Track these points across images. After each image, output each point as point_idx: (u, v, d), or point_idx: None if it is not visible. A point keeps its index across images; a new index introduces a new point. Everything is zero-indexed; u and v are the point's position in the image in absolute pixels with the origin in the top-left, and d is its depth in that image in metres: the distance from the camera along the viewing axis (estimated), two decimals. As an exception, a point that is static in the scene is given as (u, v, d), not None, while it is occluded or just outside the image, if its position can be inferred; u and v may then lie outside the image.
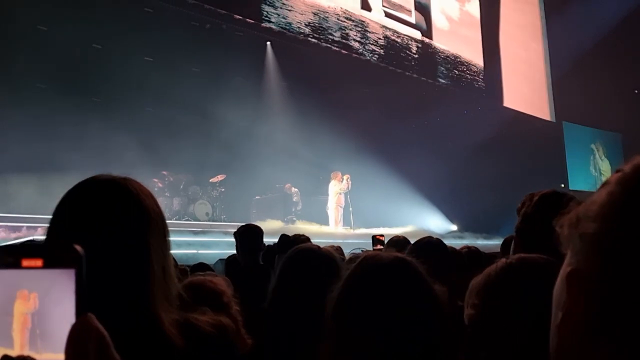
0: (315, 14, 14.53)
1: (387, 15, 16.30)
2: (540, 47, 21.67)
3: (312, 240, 3.84)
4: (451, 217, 16.90)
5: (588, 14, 19.39)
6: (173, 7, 12.03)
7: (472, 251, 3.68)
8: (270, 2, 13.65)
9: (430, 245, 2.97)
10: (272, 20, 13.69)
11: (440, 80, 17.67)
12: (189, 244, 8.97)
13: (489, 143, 16.47)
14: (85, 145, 9.83)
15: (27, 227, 9.15)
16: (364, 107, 13.83)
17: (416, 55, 17.02)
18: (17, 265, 0.62)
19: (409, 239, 3.97)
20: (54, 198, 1.22)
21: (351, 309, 1.31)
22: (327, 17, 14.81)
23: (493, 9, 19.56)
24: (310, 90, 13.13)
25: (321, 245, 2.42)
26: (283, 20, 13.89)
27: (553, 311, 0.67)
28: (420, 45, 17.17)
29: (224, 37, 12.95)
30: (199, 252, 8.57)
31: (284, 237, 4.44)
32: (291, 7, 14.08)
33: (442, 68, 17.77)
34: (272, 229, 8.99)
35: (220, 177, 13.04)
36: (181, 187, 12.59)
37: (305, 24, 14.28)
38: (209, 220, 12.34)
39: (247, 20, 13.27)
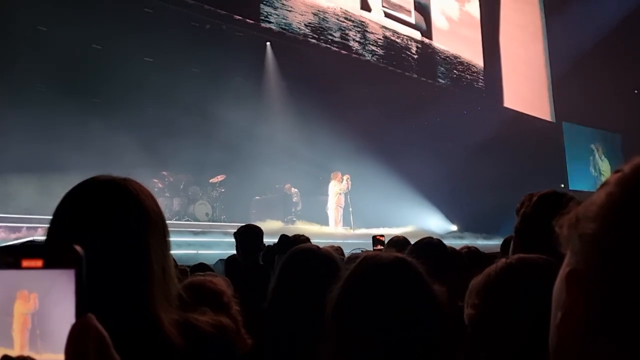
0: (314, 14, 14.54)
1: (387, 15, 16.31)
2: (540, 47, 21.68)
3: (312, 241, 3.85)
4: (451, 217, 16.91)
5: (588, 14, 19.39)
6: (173, 8, 12.03)
7: (472, 251, 3.68)
8: (270, 3, 13.65)
9: (430, 245, 2.97)
10: (272, 20, 13.69)
11: (440, 80, 17.67)
12: (189, 245, 8.97)
13: (488, 143, 16.47)
14: (85, 145, 9.83)
15: (27, 227, 9.15)
16: (363, 108, 13.83)
17: (416, 56, 17.02)
18: (17, 266, 0.62)
19: (409, 239, 3.97)
20: (54, 198, 1.22)
21: (351, 309, 1.31)
22: (327, 18, 14.81)
23: (493, 9, 19.56)
24: (310, 90, 13.13)
25: (321, 246, 2.42)
26: (283, 20, 13.89)
27: (552, 311, 0.68)
28: (420, 46, 17.17)
29: (224, 38, 12.95)
30: (199, 252, 8.57)
31: (283, 238, 4.45)
32: (291, 7, 14.08)
33: (442, 68, 17.78)
34: (272, 229, 8.99)
35: (220, 178, 13.04)
36: (181, 187, 12.59)
37: (305, 24, 14.29)
38: (208, 221, 12.35)
39: (247, 20, 13.28)
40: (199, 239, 9.76)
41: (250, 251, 4.45)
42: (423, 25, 17.30)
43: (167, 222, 1.28)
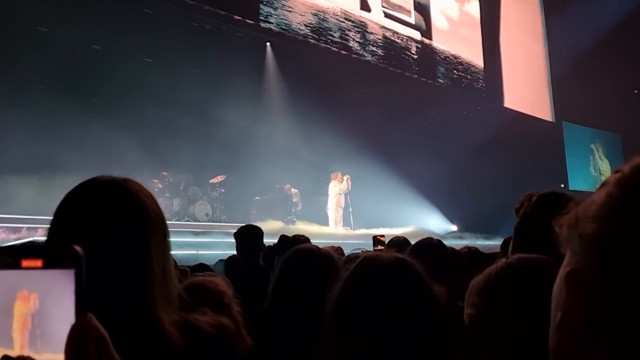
0: (314, 15, 14.54)
1: (387, 15, 16.31)
2: (541, 47, 21.68)
3: (312, 241, 3.84)
4: (451, 217, 16.91)
5: (588, 14, 19.39)
6: (173, 8, 12.04)
7: (472, 251, 3.68)
8: (269, 3, 13.65)
9: (430, 246, 2.97)
10: (272, 21, 13.70)
11: (440, 80, 17.67)
12: (189, 245, 8.97)
13: (488, 143, 16.47)
14: (85, 146, 9.84)
15: (27, 228, 9.15)
16: (363, 108, 13.83)
17: (416, 56, 17.02)
18: (17, 266, 0.62)
19: (409, 240, 3.97)
20: (54, 199, 1.23)
21: (351, 309, 1.31)
22: (327, 18, 14.82)
23: (493, 9, 19.56)
24: (310, 90, 13.13)
25: (321, 246, 2.42)
26: (283, 21, 13.90)
27: (552, 311, 0.68)
28: (419, 46, 17.18)
29: (224, 38, 12.95)
30: (199, 252, 8.57)
31: (283, 238, 4.45)
32: (291, 7, 14.08)
33: (442, 68, 17.78)
34: (272, 229, 8.99)
35: (220, 178, 13.04)
36: (181, 187, 12.59)
37: (304, 25, 14.29)
38: (209, 221, 12.34)
39: (247, 21, 13.29)
40: (199, 240, 9.75)
41: (250, 251, 4.45)
42: (423, 25, 17.30)
43: (167, 222, 1.28)
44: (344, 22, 15.20)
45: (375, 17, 16.02)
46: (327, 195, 13.90)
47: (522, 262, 1.32)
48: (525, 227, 1.98)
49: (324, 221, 13.72)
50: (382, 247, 4.88)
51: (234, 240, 4.59)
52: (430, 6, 17.56)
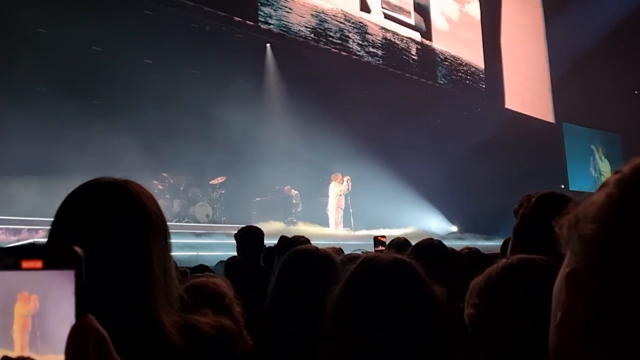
0: (314, 16, 14.55)
1: (387, 16, 16.31)
2: (541, 48, 21.67)
3: (312, 242, 3.84)
4: (451, 218, 16.90)
5: (588, 14, 19.39)
6: (173, 10, 12.05)
7: (472, 252, 3.68)
8: (269, 4, 13.66)
9: (431, 247, 2.97)
10: (272, 22, 13.70)
11: (440, 81, 17.67)
12: (189, 246, 8.96)
13: (489, 144, 16.47)
14: (85, 147, 9.84)
15: (28, 229, 9.16)
16: (363, 109, 13.84)
17: (416, 57, 17.02)
18: (17, 267, 0.62)
19: (410, 241, 3.97)
20: (55, 201, 1.23)
21: (351, 310, 1.32)
22: (327, 19, 14.83)
23: (494, 10, 19.55)
24: (310, 92, 13.13)
25: (322, 247, 2.43)
26: (282, 22, 13.90)
27: (552, 311, 0.68)
28: (419, 47, 17.18)
29: (224, 39, 12.95)
30: (200, 254, 8.57)
31: (283, 239, 4.45)
32: (290, 9, 14.09)
33: (442, 69, 17.78)
34: (273, 230, 8.99)
35: (220, 179, 13.03)
36: (181, 189, 12.59)
37: (304, 26, 14.30)
38: (209, 222, 12.34)
39: (247, 22, 13.29)
40: (199, 241, 9.75)
41: (251, 253, 4.46)
42: (423, 26, 17.30)
43: (168, 223, 1.28)
44: (343, 24, 15.20)
45: (375, 18, 16.03)
46: (328, 196, 13.90)
47: (522, 263, 1.32)
48: (524, 228, 1.98)
49: (325, 222, 13.72)
50: (383, 248, 4.89)
51: (234, 241, 4.59)
52: (430, 7, 17.56)
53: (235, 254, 4.69)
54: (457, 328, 1.35)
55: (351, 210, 13.69)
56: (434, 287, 1.35)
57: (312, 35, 14.42)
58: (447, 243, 3.21)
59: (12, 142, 9.33)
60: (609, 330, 0.60)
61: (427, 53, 17.33)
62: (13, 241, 8.82)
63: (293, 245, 3.12)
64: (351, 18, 15.40)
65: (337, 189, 13.65)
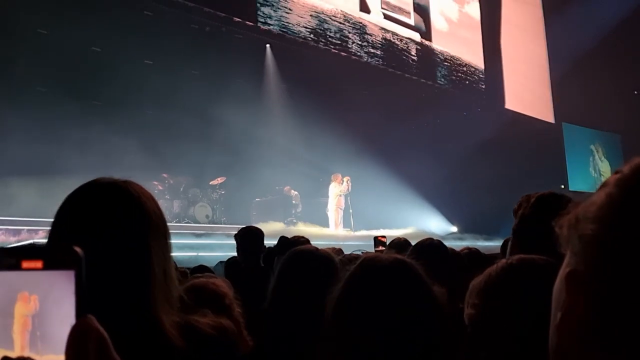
0: (314, 17, 14.55)
1: (386, 17, 16.31)
2: (541, 48, 21.67)
3: (312, 243, 3.84)
4: (451, 218, 16.90)
5: (588, 14, 19.40)
6: (172, 10, 12.04)
7: (472, 252, 3.68)
8: (269, 5, 13.66)
9: (431, 246, 2.98)
10: (272, 23, 13.71)
11: (440, 82, 17.67)
12: (189, 247, 8.96)
13: (489, 145, 16.48)
14: (86, 148, 9.84)
15: (28, 230, 9.15)
16: (363, 109, 13.84)
17: (415, 57, 17.02)
18: (17, 267, 0.62)
19: (410, 241, 3.97)
20: (55, 201, 1.23)
21: (351, 310, 1.32)
22: (326, 20, 14.83)
23: (494, 10, 19.55)
24: (310, 92, 13.13)
25: (322, 248, 2.43)
26: (282, 22, 13.91)
27: (552, 311, 0.68)
28: (419, 47, 17.18)
29: (224, 40, 12.95)
30: (200, 254, 8.57)
31: (283, 239, 4.45)
32: (290, 9, 14.09)
33: (442, 70, 17.78)
34: (273, 231, 8.99)
35: (220, 180, 13.04)
36: (181, 189, 12.59)
37: (304, 27, 14.30)
38: (209, 223, 12.34)
39: (247, 23, 13.29)
40: (199, 241, 9.75)
41: (251, 253, 4.46)
42: (422, 26, 17.30)
43: (168, 224, 1.28)
44: (343, 24, 15.21)
45: (375, 19, 16.03)
46: (327, 196, 13.90)
47: (522, 263, 1.32)
48: (524, 228, 1.98)
49: (325, 223, 13.72)
50: (384, 248, 4.89)
51: (234, 241, 4.59)
52: (430, 8, 17.56)
53: (235, 254, 4.69)
54: (457, 328, 1.35)
55: (351, 210, 13.69)
56: (434, 287, 1.35)
57: (311, 35, 14.42)
58: (447, 243, 3.21)
59: (12, 142, 9.34)
60: (609, 330, 0.60)
61: (426, 53, 17.33)
62: (13, 242, 8.82)
63: (293, 245, 3.12)
64: (351, 18, 15.40)
65: (337, 190, 13.65)
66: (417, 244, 3.08)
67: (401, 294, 1.32)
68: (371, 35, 15.87)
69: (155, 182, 11.94)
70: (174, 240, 1.30)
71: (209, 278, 2.18)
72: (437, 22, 17.74)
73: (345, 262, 1.75)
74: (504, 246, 3.39)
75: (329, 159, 13.60)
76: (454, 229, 16.80)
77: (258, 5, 13.45)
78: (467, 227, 15.76)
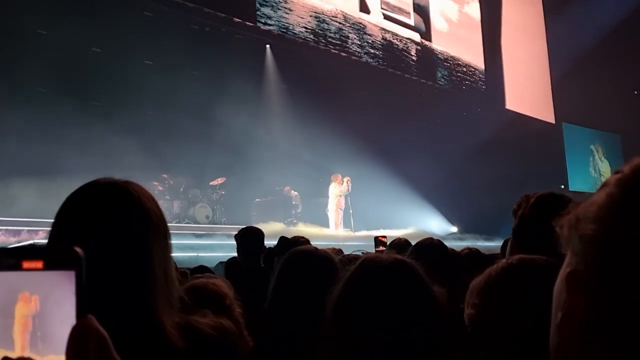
0: (314, 17, 14.55)
1: (386, 17, 16.31)
2: (542, 48, 21.67)
3: (312, 243, 3.84)
4: (451, 218, 16.90)
5: (588, 14, 19.40)
6: (172, 11, 12.04)
7: (472, 253, 3.68)
8: (269, 5, 13.67)
9: (431, 246, 2.97)
10: (271, 23, 13.71)
11: (440, 82, 17.68)
12: (190, 247, 8.96)
13: (489, 145, 16.48)
14: (86, 148, 9.84)
15: (28, 230, 9.15)
16: (363, 110, 13.83)
17: (415, 58, 17.02)
18: (18, 267, 0.62)
19: (410, 241, 3.97)
20: (55, 202, 1.23)
21: (351, 310, 1.32)
22: (326, 20, 14.83)
23: (494, 11, 19.55)
24: (310, 92, 13.13)
25: (322, 248, 2.43)
26: (282, 23, 13.91)
27: (553, 311, 0.68)
28: (419, 48, 17.18)
29: (224, 40, 12.95)
30: (200, 255, 8.57)
31: (283, 239, 4.45)
32: (290, 10, 14.09)
33: (442, 70, 17.79)
34: (273, 231, 8.99)
35: (220, 180, 13.03)
36: (181, 190, 12.58)
37: (304, 27, 14.30)
38: (209, 223, 12.34)
39: (247, 23, 13.29)
40: (199, 242, 9.75)
41: (251, 253, 4.46)
42: (422, 27, 17.30)
43: (168, 224, 1.28)
44: (343, 24, 15.21)
45: (375, 19, 16.03)
46: (328, 197, 13.90)
47: (522, 263, 1.32)
48: (523, 228, 1.98)
49: (325, 223, 13.72)
50: (384, 248, 4.89)
51: (234, 242, 4.59)
52: (430, 8, 17.56)
53: (235, 254, 4.69)
54: (457, 328, 1.35)
55: (351, 211, 13.69)
56: (434, 288, 1.35)
57: (311, 36, 14.43)
58: (447, 243, 3.21)
59: (12, 142, 9.34)
60: (609, 330, 0.60)
61: (426, 54, 17.33)
62: (13, 242, 8.81)
63: (293, 245, 3.12)
64: (351, 19, 15.40)
65: (337, 190, 13.65)
66: (417, 244, 3.08)
67: (401, 294, 1.32)
68: (371, 36, 15.87)
69: (156, 183, 11.94)
70: (174, 241, 1.30)
71: (209, 278, 2.17)
72: (437, 22, 17.74)
73: (345, 262, 1.75)
74: (504, 246, 3.39)
75: (329, 159, 13.59)
76: (454, 229, 16.80)
77: (258, 5, 13.45)
78: (467, 227, 15.76)
